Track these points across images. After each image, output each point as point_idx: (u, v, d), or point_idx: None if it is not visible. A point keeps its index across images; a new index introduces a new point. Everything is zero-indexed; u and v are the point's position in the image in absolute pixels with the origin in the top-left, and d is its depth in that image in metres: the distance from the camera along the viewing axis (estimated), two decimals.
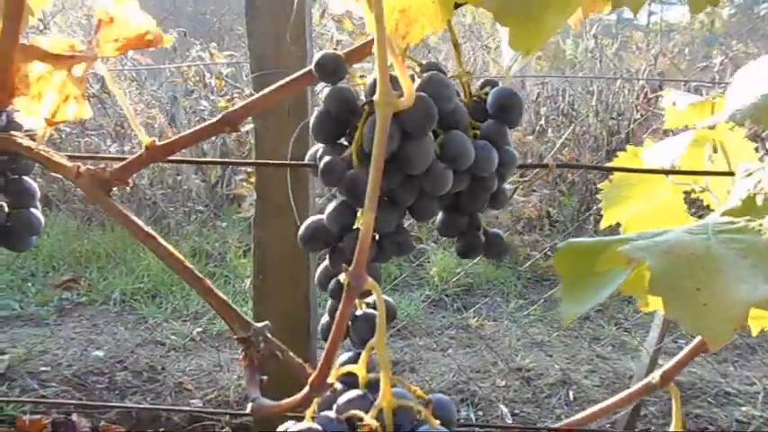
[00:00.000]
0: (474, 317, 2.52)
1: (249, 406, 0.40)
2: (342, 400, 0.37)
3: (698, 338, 0.54)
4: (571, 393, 1.90)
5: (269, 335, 0.45)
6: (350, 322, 0.48)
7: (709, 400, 1.83)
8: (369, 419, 0.34)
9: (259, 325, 0.45)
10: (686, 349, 0.52)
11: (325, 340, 0.39)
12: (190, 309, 2.44)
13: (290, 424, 0.37)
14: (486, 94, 0.45)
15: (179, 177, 3.17)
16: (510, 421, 1.73)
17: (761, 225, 0.34)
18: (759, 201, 0.39)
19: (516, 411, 1.81)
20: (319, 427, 0.34)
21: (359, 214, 0.44)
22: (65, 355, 2.08)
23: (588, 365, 2.09)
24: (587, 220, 3.67)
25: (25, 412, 1.69)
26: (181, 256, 0.44)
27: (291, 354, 0.47)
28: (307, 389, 0.38)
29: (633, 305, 2.68)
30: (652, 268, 0.32)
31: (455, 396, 1.84)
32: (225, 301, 0.46)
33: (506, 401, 1.86)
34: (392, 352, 2.16)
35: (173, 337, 2.19)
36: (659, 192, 0.59)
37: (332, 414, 0.36)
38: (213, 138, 3.50)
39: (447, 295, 2.74)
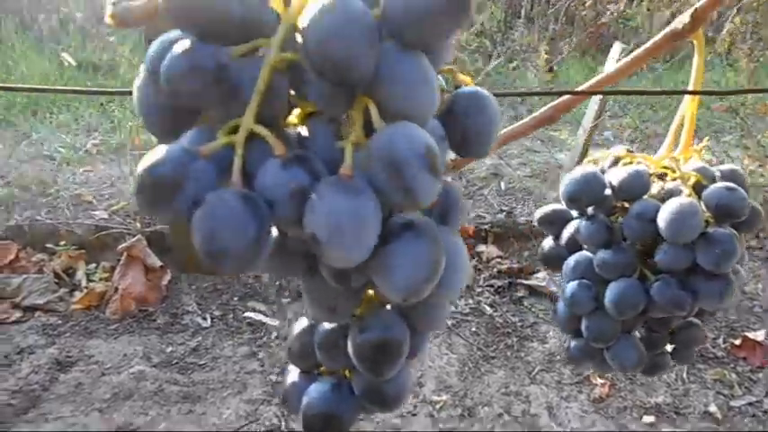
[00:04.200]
0: None
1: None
2: None
3: None
4: (503, 184, 1.86)
5: None
6: None
7: None
8: None
9: None
10: None
11: None
12: (80, 122, 2.13)
13: None
14: None
15: None
16: None
17: None
18: None
19: None
20: None
21: None
22: None
23: (519, 159, 2.05)
24: (513, 29, 3.54)
25: None
26: None
27: None
28: None
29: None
30: None
31: None
32: None
33: None
34: None
35: (63, 151, 1.91)
36: None
37: None
38: None
39: None
